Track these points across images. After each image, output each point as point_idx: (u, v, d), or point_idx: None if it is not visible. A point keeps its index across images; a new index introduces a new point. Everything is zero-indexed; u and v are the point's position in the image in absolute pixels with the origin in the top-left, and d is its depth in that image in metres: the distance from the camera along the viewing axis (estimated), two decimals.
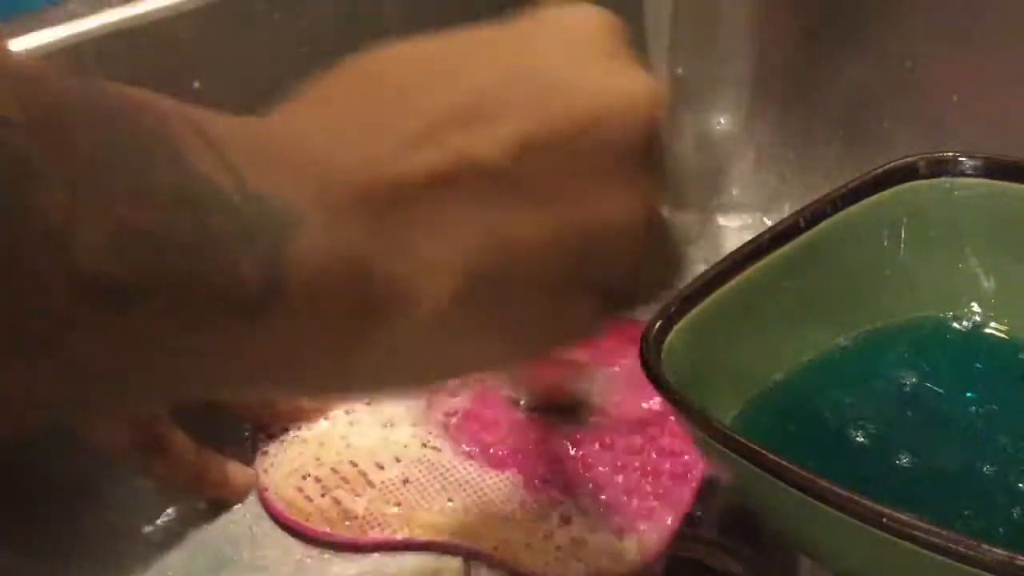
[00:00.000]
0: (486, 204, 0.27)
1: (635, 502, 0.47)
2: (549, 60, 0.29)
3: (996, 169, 0.47)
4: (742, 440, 0.36)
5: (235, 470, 0.49)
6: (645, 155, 0.29)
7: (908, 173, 0.47)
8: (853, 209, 0.47)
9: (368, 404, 0.52)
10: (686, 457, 0.48)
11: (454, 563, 0.46)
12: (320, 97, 0.28)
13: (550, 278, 0.29)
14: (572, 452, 0.50)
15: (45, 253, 0.20)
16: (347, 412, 0.52)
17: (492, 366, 0.34)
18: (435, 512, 0.48)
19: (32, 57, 0.47)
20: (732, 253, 0.45)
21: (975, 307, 0.48)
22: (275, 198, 0.24)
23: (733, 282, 0.44)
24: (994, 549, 0.30)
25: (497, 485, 0.49)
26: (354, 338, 0.26)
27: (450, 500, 0.48)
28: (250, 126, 0.26)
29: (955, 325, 0.48)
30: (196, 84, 0.52)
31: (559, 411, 0.48)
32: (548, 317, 0.30)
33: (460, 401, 0.53)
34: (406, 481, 0.49)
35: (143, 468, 0.47)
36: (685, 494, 0.47)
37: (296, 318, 0.25)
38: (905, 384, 0.46)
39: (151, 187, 0.22)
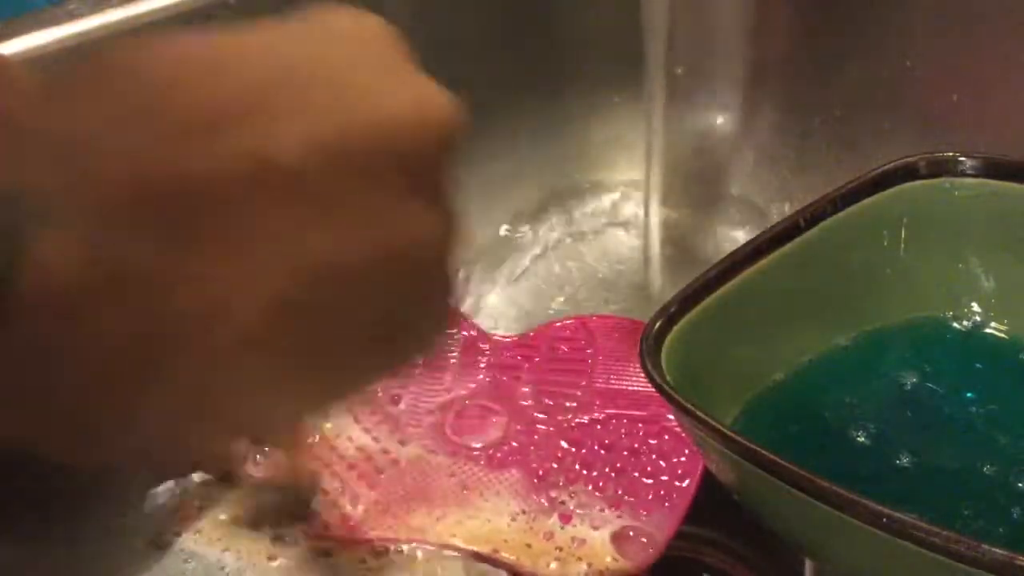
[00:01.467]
0: (283, 214, 0.24)
1: (635, 501, 0.47)
2: (341, 62, 0.26)
3: (996, 169, 0.47)
4: (742, 440, 0.36)
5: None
6: (440, 172, 0.27)
7: (908, 173, 0.47)
8: (853, 209, 0.47)
9: (366, 406, 0.53)
10: (686, 457, 0.48)
11: (455, 564, 0.46)
12: (72, 89, 0.24)
13: (358, 302, 0.26)
14: (572, 452, 0.50)
15: None
16: (348, 411, 0.52)
17: (308, 410, 0.30)
18: (435, 514, 0.48)
19: (31, 57, 0.47)
20: (732, 253, 0.45)
21: (975, 307, 0.48)
22: (15, 186, 0.21)
23: (733, 282, 0.44)
24: (994, 549, 0.30)
25: (497, 485, 0.49)
26: (134, 367, 0.23)
27: (450, 501, 0.48)
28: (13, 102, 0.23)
29: (955, 325, 0.48)
30: None
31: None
32: (363, 346, 0.27)
33: (460, 402, 0.53)
34: (406, 481, 0.49)
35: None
36: (685, 494, 0.47)
37: (40, 331, 0.21)
38: (905, 384, 0.46)
39: None
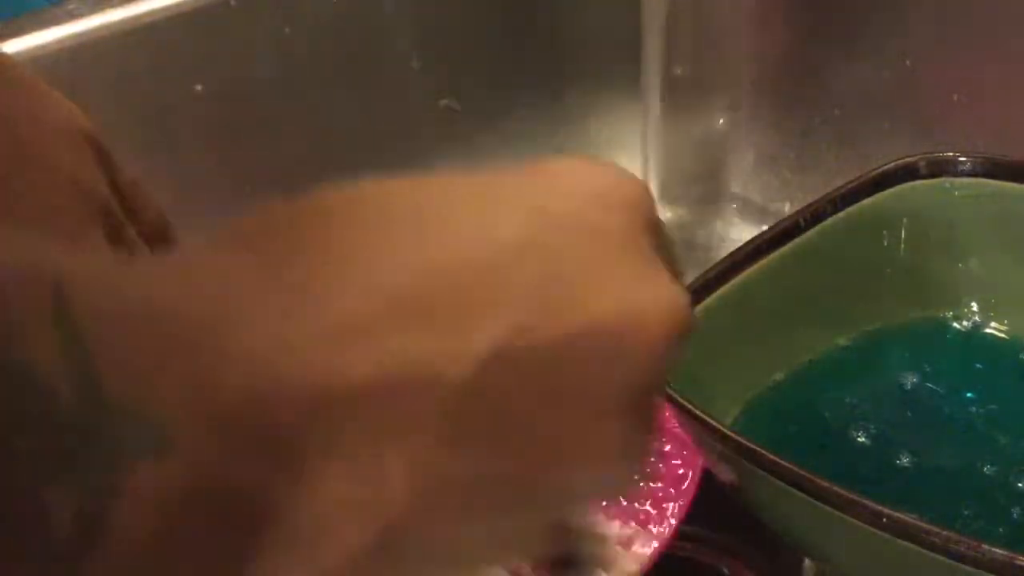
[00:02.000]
0: (427, 427, 0.19)
1: (636, 501, 0.47)
2: (566, 239, 0.21)
3: (996, 169, 0.47)
4: (742, 440, 0.36)
5: None
6: (649, 390, 0.23)
7: (908, 173, 0.47)
8: (853, 209, 0.47)
9: None
10: (686, 456, 0.48)
11: None
12: (251, 236, 0.20)
13: (484, 524, 0.21)
14: None
15: None
16: None
17: None
18: None
19: (31, 57, 0.47)
20: (732, 253, 0.45)
21: (975, 307, 0.48)
22: (135, 406, 0.17)
23: (733, 282, 0.44)
24: (994, 549, 0.30)
25: None
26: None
27: None
28: (127, 279, 0.19)
29: (955, 325, 0.48)
30: (198, 87, 0.52)
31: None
32: (477, 553, 0.23)
33: None
34: None
35: None
36: (685, 493, 0.47)
37: (128, 566, 0.17)
38: (905, 384, 0.46)
39: None
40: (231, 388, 0.18)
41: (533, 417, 0.21)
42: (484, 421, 0.20)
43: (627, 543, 0.46)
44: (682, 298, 0.23)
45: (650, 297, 0.22)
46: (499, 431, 0.20)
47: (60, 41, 0.49)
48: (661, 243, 0.24)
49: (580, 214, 0.22)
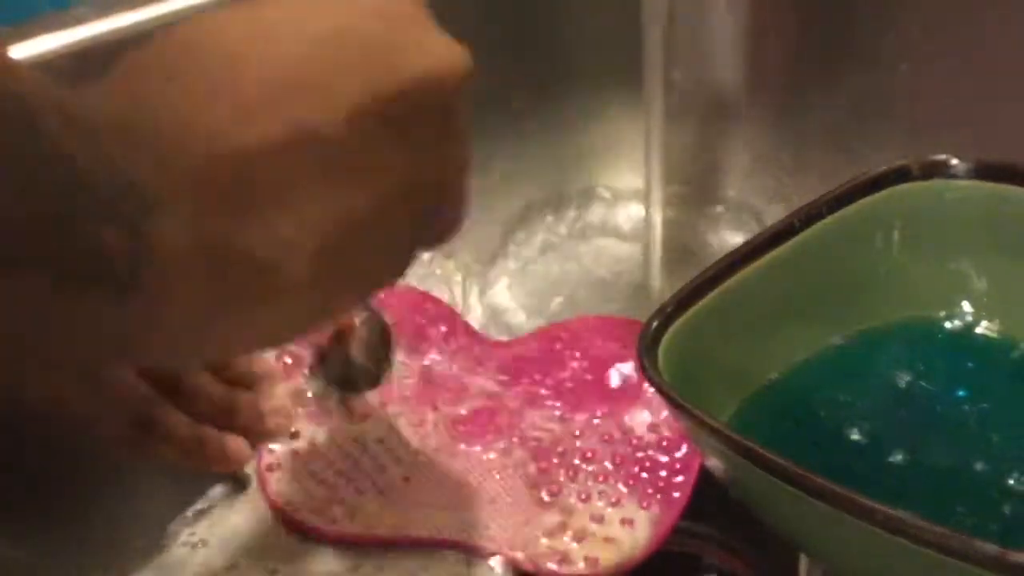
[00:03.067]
0: (325, 177, 0.27)
1: (634, 498, 0.47)
2: (367, 23, 0.29)
3: (987, 171, 0.47)
4: (738, 438, 0.36)
5: (232, 443, 0.48)
6: (459, 116, 0.30)
7: (901, 175, 0.48)
8: (847, 211, 0.47)
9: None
10: (683, 454, 0.49)
11: (455, 559, 0.47)
12: (152, 66, 0.27)
13: (381, 240, 0.30)
14: (572, 450, 0.50)
15: None
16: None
17: (331, 313, 0.35)
18: (437, 510, 0.48)
19: (38, 62, 0.47)
20: (728, 254, 0.45)
21: (967, 307, 0.49)
22: (135, 178, 0.25)
23: (729, 282, 0.44)
24: (986, 545, 0.31)
25: (499, 483, 0.49)
26: (217, 312, 0.27)
27: (451, 498, 0.48)
28: (104, 102, 0.26)
29: (947, 325, 0.48)
30: None
31: (341, 383, 0.48)
32: (378, 267, 0.31)
33: (464, 403, 0.53)
34: (407, 480, 0.49)
35: (140, 449, 0.46)
36: (683, 490, 0.47)
37: (160, 295, 0.25)
38: (898, 383, 0.46)
39: (13, 168, 0.23)
40: (193, 156, 0.25)
41: (391, 158, 0.28)
42: (361, 164, 0.28)
43: (626, 536, 0.46)
44: (466, 51, 0.30)
45: (447, 50, 0.29)
46: (367, 166, 0.28)
47: (67, 46, 0.49)
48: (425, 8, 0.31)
49: (376, 3, 0.29)
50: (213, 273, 0.26)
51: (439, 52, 0.29)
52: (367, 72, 0.28)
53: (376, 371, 0.47)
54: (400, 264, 0.32)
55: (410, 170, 0.29)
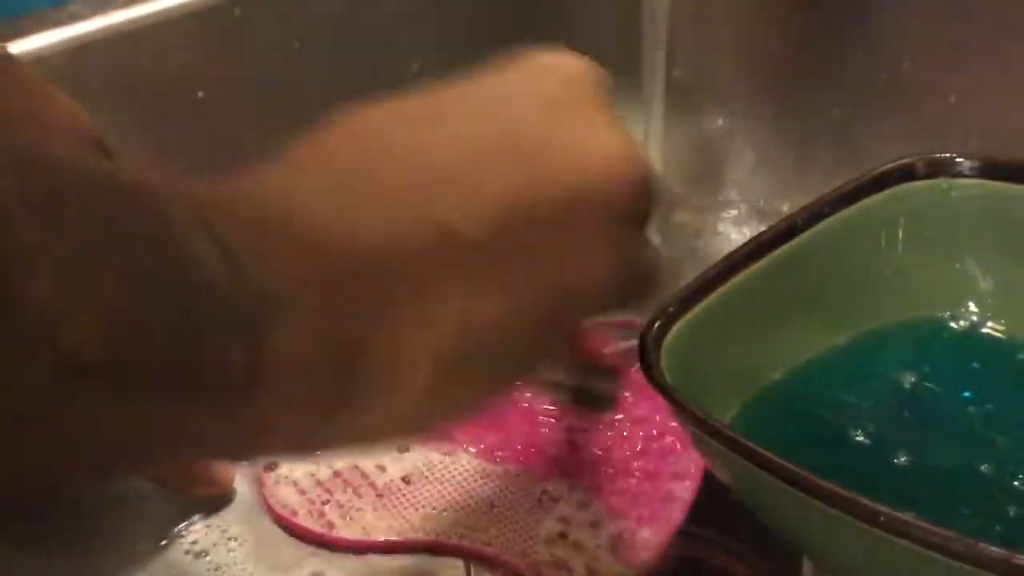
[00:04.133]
0: (463, 282, 0.26)
1: (635, 501, 0.47)
2: (530, 116, 0.27)
3: (993, 170, 0.47)
4: (741, 439, 0.36)
5: (219, 467, 0.49)
6: (629, 214, 0.28)
7: (905, 174, 0.48)
8: (851, 210, 0.47)
9: None
10: (686, 456, 0.49)
11: (455, 564, 0.46)
12: (310, 158, 0.27)
13: (510, 348, 0.28)
14: (573, 453, 0.50)
15: (31, 337, 0.20)
16: None
17: (465, 413, 0.32)
18: (436, 513, 0.48)
19: (33, 59, 0.47)
20: (730, 253, 0.45)
21: (972, 307, 0.48)
22: (267, 283, 0.23)
23: (732, 282, 0.44)
24: (991, 547, 0.30)
25: (498, 486, 0.49)
26: (332, 416, 0.25)
27: (451, 501, 0.48)
28: (245, 198, 0.25)
29: (952, 325, 0.48)
30: (200, 89, 0.52)
31: (585, 400, 0.46)
32: (501, 377, 0.29)
33: None
34: (407, 482, 0.49)
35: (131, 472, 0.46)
36: (685, 493, 0.47)
37: (278, 399, 0.24)
38: (903, 384, 0.46)
39: (144, 274, 0.22)
40: (333, 259, 0.24)
41: (538, 253, 0.26)
42: (502, 269, 0.26)
43: (627, 542, 0.46)
44: (642, 157, 0.29)
45: (623, 155, 0.28)
46: (513, 270, 0.26)
47: (63, 43, 0.49)
48: (608, 101, 0.30)
49: (544, 93, 0.28)
50: (331, 376, 0.25)
51: (608, 153, 0.27)
52: (521, 171, 0.26)
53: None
54: (525, 372, 0.30)
55: (562, 270, 0.27)
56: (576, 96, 0.28)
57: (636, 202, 0.28)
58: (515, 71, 0.29)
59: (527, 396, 0.53)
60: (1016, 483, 0.41)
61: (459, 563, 0.46)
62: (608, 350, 0.43)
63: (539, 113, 0.27)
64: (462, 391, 0.28)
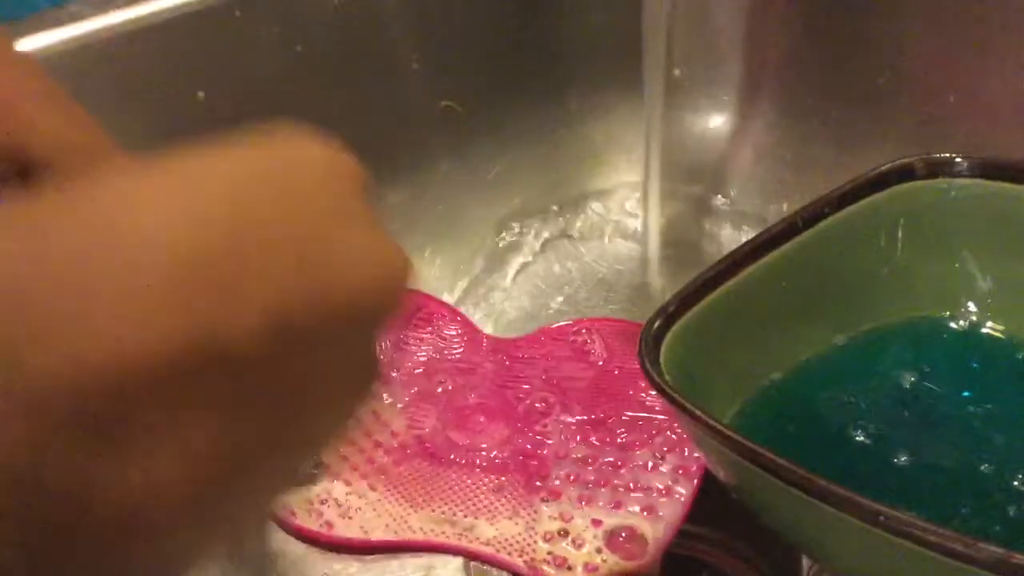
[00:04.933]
0: (222, 400, 0.21)
1: (635, 501, 0.47)
2: (307, 217, 0.23)
3: (992, 170, 0.47)
4: (740, 439, 0.36)
5: None
6: (378, 335, 0.25)
7: (905, 174, 0.48)
8: (851, 209, 0.47)
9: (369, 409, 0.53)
10: (685, 456, 0.49)
11: (454, 564, 0.46)
12: (15, 236, 0.20)
13: (270, 470, 0.24)
14: (572, 452, 0.50)
15: None
16: None
17: (201, 552, 0.26)
18: (435, 513, 0.48)
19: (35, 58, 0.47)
20: (730, 253, 0.45)
21: (972, 307, 0.48)
22: None
23: (731, 282, 0.44)
24: (991, 547, 0.31)
25: (496, 485, 0.49)
26: (54, 555, 0.20)
27: (450, 501, 0.48)
28: None
29: (952, 325, 0.48)
30: (200, 88, 0.52)
31: None
32: (261, 499, 0.25)
33: (463, 404, 0.53)
34: (406, 482, 0.49)
35: None
36: (684, 493, 0.47)
37: None
38: (903, 383, 0.46)
39: None
40: (36, 370, 0.18)
41: (300, 382, 0.23)
42: (263, 387, 0.22)
43: (627, 541, 0.46)
44: (404, 256, 0.25)
45: (392, 264, 0.25)
46: (272, 392, 0.22)
47: (63, 43, 0.49)
48: (369, 203, 0.26)
49: (302, 191, 0.24)
50: (51, 523, 0.19)
51: (383, 258, 0.24)
52: (298, 277, 0.22)
53: None
54: (283, 488, 0.26)
55: (314, 391, 0.24)
56: (345, 196, 0.25)
57: (392, 313, 0.25)
58: (276, 154, 0.25)
59: (527, 395, 0.53)
60: (1016, 483, 0.41)
61: (457, 563, 0.46)
62: None
63: (312, 208, 0.23)
64: (217, 521, 0.23)
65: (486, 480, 0.49)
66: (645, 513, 0.47)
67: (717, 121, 0.68)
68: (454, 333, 0.57)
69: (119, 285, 0.19)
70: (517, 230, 0.69)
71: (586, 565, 0.45)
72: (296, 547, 0.48)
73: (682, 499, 0.47)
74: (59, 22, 0.49)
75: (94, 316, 0.19)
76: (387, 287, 0.24)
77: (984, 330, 0.48)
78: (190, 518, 0.22)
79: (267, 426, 0.22)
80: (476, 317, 0.64)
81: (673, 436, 0.49)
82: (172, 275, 0.20)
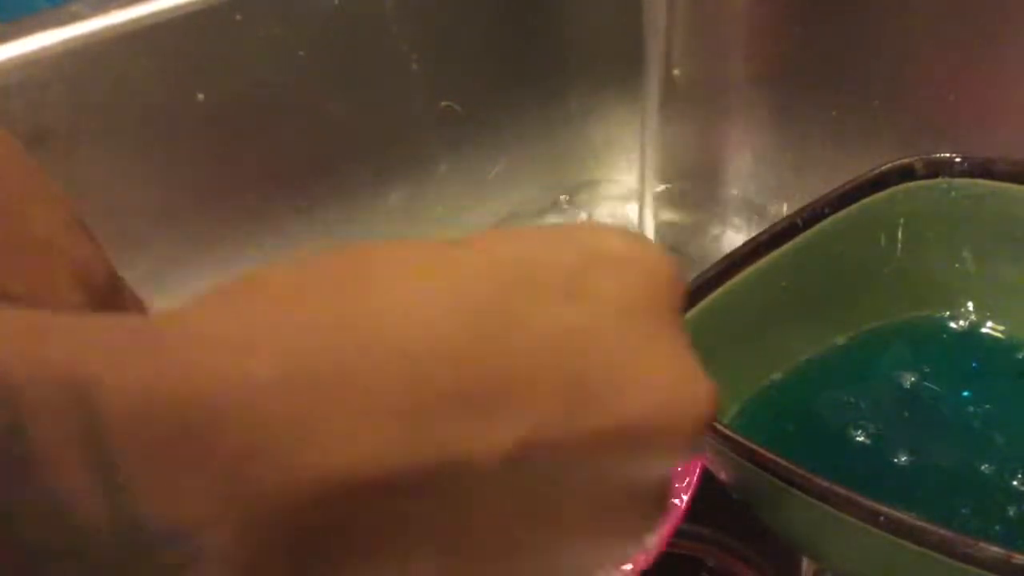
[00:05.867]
0: (449, 522, 0.18)
1: None
2: (600, 325, 0.19)
3: (992, 170, 0.47)
4: (740, 439, 0.36)
5: None
6: (663, 482, 0.22)
7: (905, 174, 0.48)
8: (851, 209, 0.47)
9: None
10: None
11: None
12: (274, 313, 0.18)
13: None
14: None
15: None
16: None
17: None
18: None
19: (34, 59, 0.47)
20: (730, 253, 0.45)
21: (971, 307, 0.48)
22: (166, 520, 0.15)
23: (731, 282, 0.44)
24: (991, 547, 0.30)
25: None
26: None
27: None
28: (159, 386, 0.16)
29: (952, 324, 0.48)
30: (199, 89, 0.52)
31: None
32: None
33: None
34: None
35: None
36: (683, 492, 0.47)
37: None
38: (902, 383, 0.46)
39: None
40: (262, 486, 0.16)
41: (548, 507, 0.20)
42: (502, 516, 0.19)
43: None
44: (712, 391, 0.21)
45: (682, 395, 0.21)
46: (514, 525, 0.19)
47: (64, 43, 0.49)
48: (673, 299, 0.22)
49: (609, 293, 0.20)
50: None
51: (673, 389, 0.20)
52: (573, 397, 0.19)
53: None
54: None
55: (567, 522, 0.20)
56: (651, 305, 0.21)
57: (682, 447, 0.21)
58: (586, 251, 0.21)
59: None
60: (1016, 483, 0.41)
61: None
62: None
63: (610, 317, 0.20)
64: None
65: None
66: None
67: (717, 121, 0.68)
68: None
69: (368, 391, 0.17)
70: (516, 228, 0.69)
71: None
72: None
73: (681, 498, 0.47)
74: (59, 22, 0.49)
75: (333, 422, 0.17)
76: (677, 418, 0.20)
77: (984, 330, 0.48)
78: None
79: (501, 556, 0.19)
80: None
81: None
82: (430, 391, 0.17)
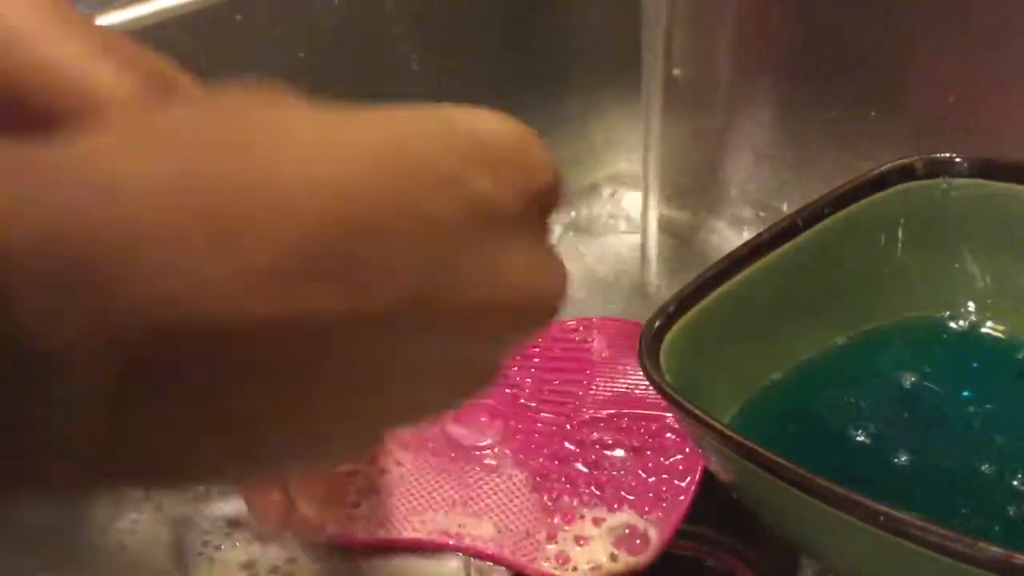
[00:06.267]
0: (313, 373, 0.20)
1: (636, 500, 0.47)
2: (464, 219, 0.21)
3: (992, 170, 0.47)
4: (741, 439, 0.36)
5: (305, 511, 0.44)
6: (498, 361, 0.25)
7: (905, 174, 0.48)
8: (851, 209, 0.47)
9: None
10: (685, 455, 0.49)
11: (455, 563, 0.46)
12: (165, 139, 0.19)
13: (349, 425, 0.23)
14: (573, 451, 0.50)
15: None
16: None
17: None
18: (437, 512, 0.48)
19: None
20: (730, 253, 0.45)
21: (971, 307, 0.48)
22: (55, 352, 0.17)
23: (731, 282, 0.44)
24: (991, 547, 0.31)
25: (499, 485, 0.49)
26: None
27: (452, 500, 0.48)
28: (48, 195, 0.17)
29: (952, 325, 0.48)
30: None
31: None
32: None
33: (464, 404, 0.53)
34: (408, 480, 0.49)
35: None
36: (685, 492, 0.47)
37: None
38: (903, 383, 0.46)
39: None
40: (131, 327, 0.17)
41: (412, 365, 0.22)
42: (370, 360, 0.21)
43: (629, 540, 0.46)
44: (564, 281, 0.24)
45: (541, 277, 0.23)
46: (380, 369, 0.21)
47: None
48: (547, 199, 0.24)
49: (483, 191, 0.22)
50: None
51: (538, 275, 0.23)
52: (410, 287, 0.20)
53: None
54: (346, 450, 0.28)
55: (425, 377, 0.23)
56: (514, 195, 0.23)
57: (532, 331, 0.24)
58: (447, 121, 0.23)
59: (527, 393, 0.53)
60: (1016, 483, 0.41)
61: (459, 562, 0.46)
62: None
63: (461, 208, 0.22)
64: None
65: (487, 479, 0.49)
66: (646, 512, 0.47)
67: (716, 121, 0.68)
68: None
69: (265, 228, 0.18)
70: None
71: (588, 563, 0.45)
72: (299, 545, 0.48)
73: (682, 499, 0.47)
74: None
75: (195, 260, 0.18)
76: (537, 305, 0.23)
77: (984, 330, 0.48)
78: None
79: (359, 396, 0.21)
80: None
81: (674, 436, 0.49)
82: (325, 230, 0.19)
